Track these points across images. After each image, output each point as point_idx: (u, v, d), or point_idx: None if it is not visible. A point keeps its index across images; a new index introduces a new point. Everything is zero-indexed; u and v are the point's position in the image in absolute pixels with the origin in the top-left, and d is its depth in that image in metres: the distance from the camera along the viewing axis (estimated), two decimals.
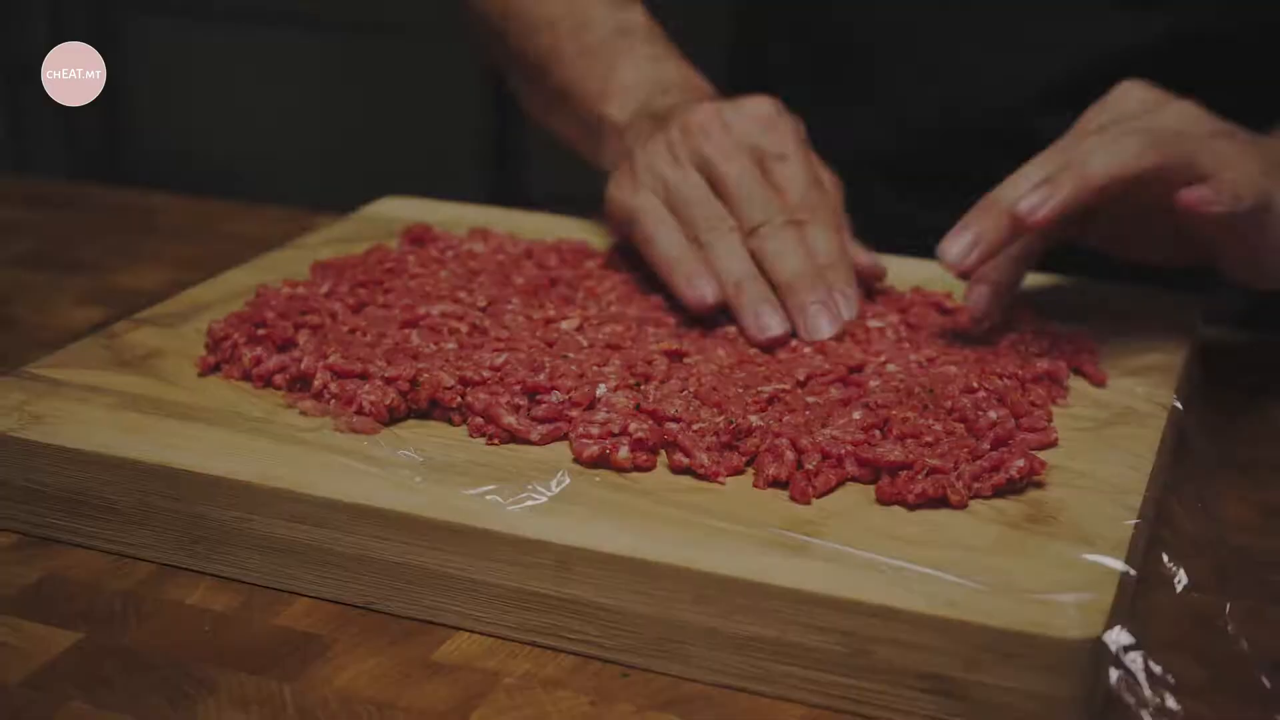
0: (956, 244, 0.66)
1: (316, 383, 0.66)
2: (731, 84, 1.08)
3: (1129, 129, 0.66)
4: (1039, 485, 0.59)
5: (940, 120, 0.73)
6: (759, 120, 0.74)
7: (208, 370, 0.69)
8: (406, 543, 0.57)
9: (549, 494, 0.57)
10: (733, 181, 0.73)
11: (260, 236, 0.99)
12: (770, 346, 0.70)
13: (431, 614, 0.57)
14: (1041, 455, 0.61)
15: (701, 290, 0.71)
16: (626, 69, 0.84)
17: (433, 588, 0.57)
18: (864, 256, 0.76)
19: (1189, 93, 0.70)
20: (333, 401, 0.65)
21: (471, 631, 0.57)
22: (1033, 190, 0.64)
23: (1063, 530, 0.56)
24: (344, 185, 1.33)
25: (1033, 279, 0.82)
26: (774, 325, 0.70)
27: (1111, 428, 0.65)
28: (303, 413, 0.65)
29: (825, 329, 0.70)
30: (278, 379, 0.67)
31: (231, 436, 0.62)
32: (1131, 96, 0.70)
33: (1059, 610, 0.50)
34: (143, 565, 0.61)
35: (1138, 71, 0.72)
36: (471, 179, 2.16)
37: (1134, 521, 0.56)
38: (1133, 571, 0.54)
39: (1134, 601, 0.56)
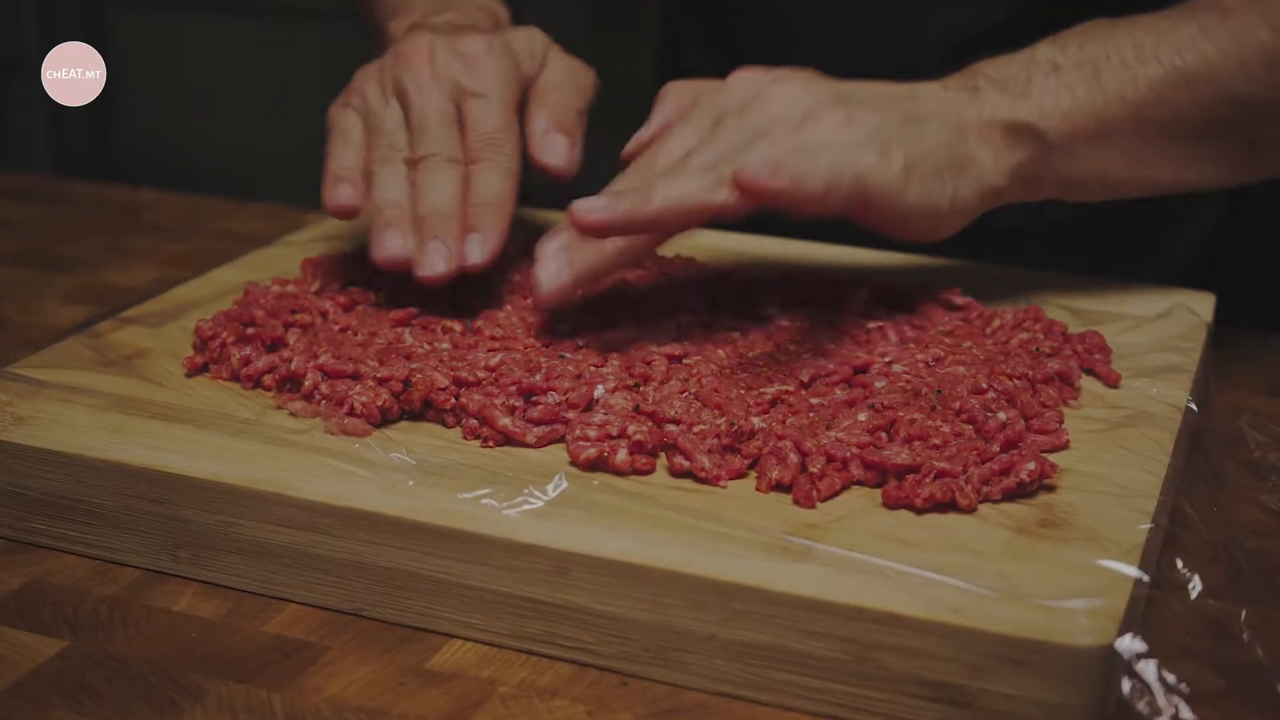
0: (546, 270, 0.68)
1: (307, 383, 0.66)
2: (659, 63, 1.09)
3: (705, 163, 0.67)
4: (1050, 489, 0.59)
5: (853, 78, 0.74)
6: (466, 58, 0.76)
7: (195, 370, 0.69)
8: (399, 548, 0.57)
9: (545, 498, 0.57)
10: (416, 113, 0.75)
11: (250, 234, 0.99)
12: (391, 268, 0.71)
13: (425, 621, 0.57)
14: (1053, 458, 0.61)
15: (339, 194, 0.73)
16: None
17: (426, 594, 0.57)
18: (554, 158, 0.76)
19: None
20: (323, 403, 0.65)
21: (466, 639, 0.57)
22: (600, 206, 0.66)
23: (1074, 535, 0.56)
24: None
25: (1043, 276, 0.82)
26: (392, 247, 0.71)
27: (1125, 429, 0.65)
28: (292, 414, 0.64)
29: (434, 267, 0.70)
30: (267, 379, 0.67)
31: (219, 438, 0.62)
32: (739, 86, 0.71)
33: (1069, 617, 0.50)
34: (128, 571, 0.61)
35: (1046, 18, 0.73)
36: None
37: (1147, 526, 0.56)
38: (1146, 577, 0.54)
39: (1147, 608, 0.56)
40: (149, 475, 0.60)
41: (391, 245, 0.71)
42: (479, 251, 0.72)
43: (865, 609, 0.51)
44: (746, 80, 0.71)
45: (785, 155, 0.65)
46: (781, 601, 0.52)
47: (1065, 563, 0.54)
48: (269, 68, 2.32)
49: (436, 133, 0.74)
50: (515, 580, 0.55)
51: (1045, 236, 0.92)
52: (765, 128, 0.68)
